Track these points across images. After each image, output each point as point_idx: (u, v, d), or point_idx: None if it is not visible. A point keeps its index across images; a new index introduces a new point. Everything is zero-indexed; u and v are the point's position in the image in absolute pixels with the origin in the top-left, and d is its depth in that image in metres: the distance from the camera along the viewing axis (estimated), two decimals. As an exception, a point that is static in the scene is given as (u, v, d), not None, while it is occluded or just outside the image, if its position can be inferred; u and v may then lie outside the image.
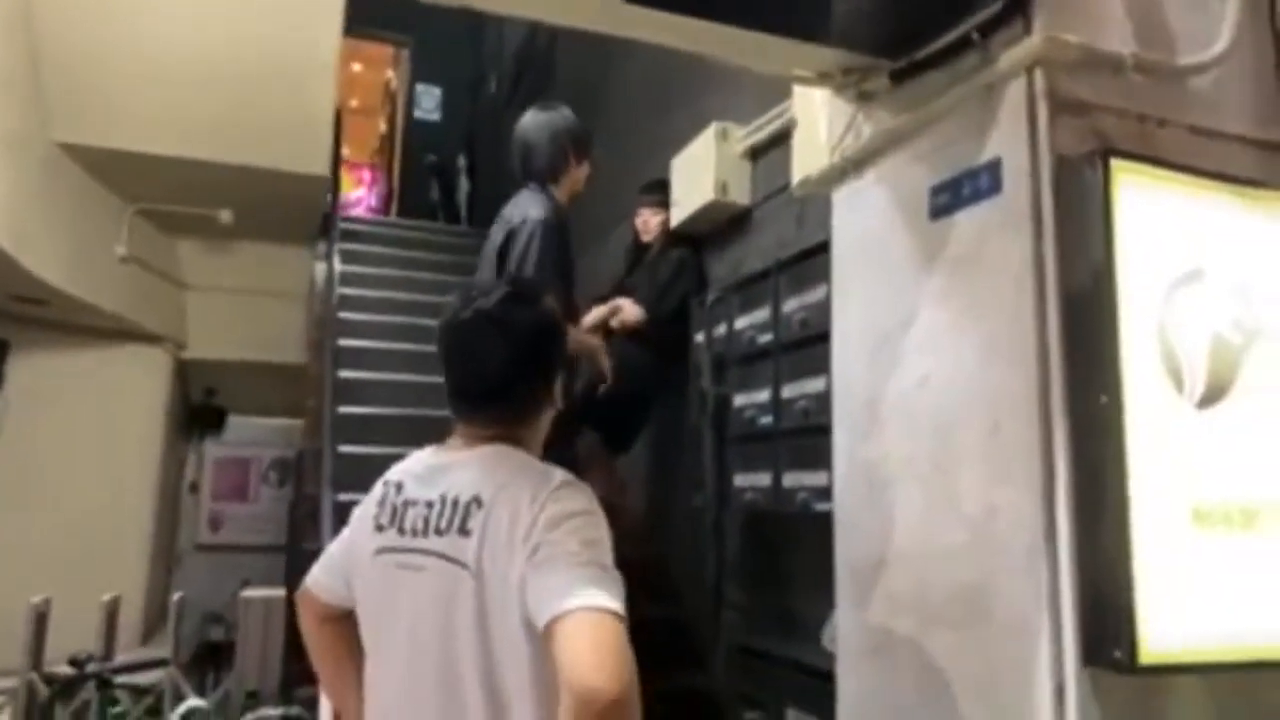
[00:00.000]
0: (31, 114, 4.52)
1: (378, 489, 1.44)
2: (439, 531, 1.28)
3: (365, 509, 1.44)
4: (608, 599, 1.11)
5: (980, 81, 1.69)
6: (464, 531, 1.25)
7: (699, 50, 2.04)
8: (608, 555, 1.20)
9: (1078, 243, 1.48)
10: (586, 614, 1.09)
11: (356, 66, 10.59)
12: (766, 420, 2.63)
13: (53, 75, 4.60)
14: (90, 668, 3.17)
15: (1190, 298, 1.48)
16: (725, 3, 1.77)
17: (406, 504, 1.35)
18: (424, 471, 1.38)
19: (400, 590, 1.31)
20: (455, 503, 1.28)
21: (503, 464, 1.31)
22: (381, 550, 1.36)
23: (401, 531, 1.33)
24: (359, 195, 11.21)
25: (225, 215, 5.81)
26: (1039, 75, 1.58)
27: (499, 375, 1.35)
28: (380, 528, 1.37)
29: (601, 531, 1.22)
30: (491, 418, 1.37)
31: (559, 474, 1.28)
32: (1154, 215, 1.50)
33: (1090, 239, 1.45)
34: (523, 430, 1.39)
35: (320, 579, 1.52)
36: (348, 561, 1.45)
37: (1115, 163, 1.47)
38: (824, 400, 2.25)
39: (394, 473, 1.43)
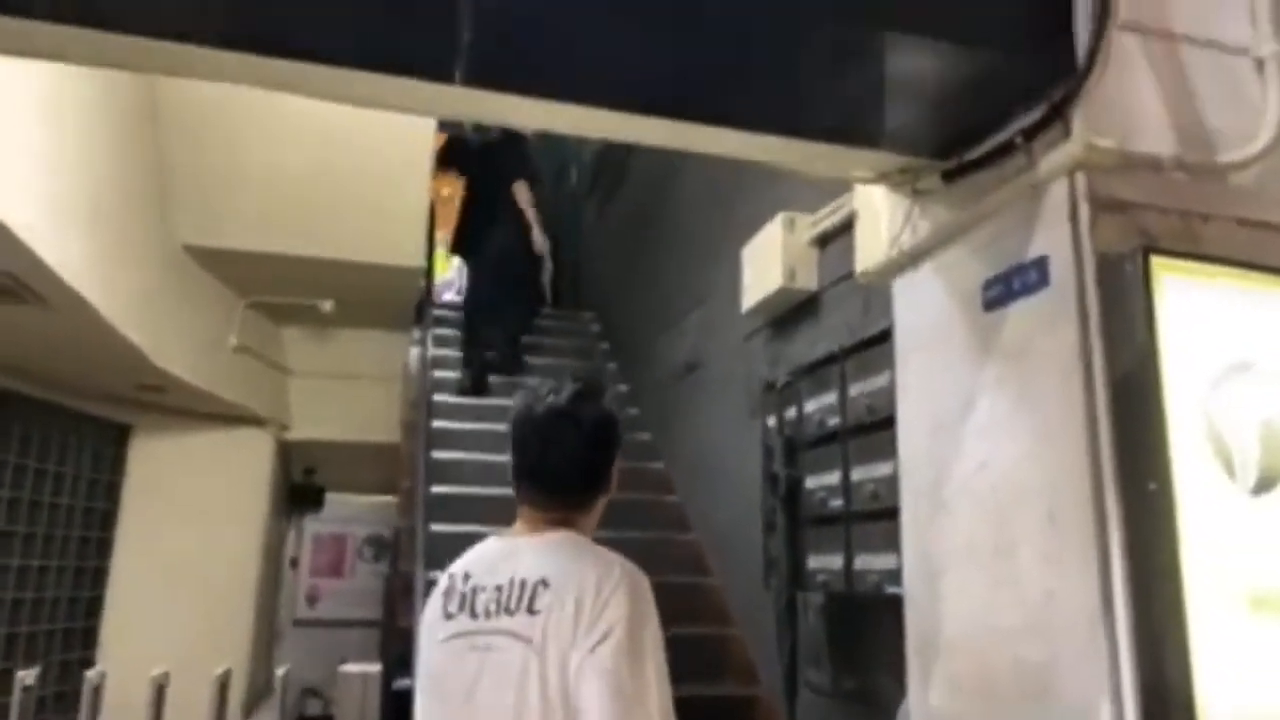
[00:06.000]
0: (159, 220, 4.98)
1: (443, 582, 1.56)
2: (509, 611, 1.40)
3: (432, 603, 1.56)
4: None
5: (1026, 182, 1.78)
6: (532, 610, 1.37)
7: (759, 159, 2.19)
8: (653, 659, 1.36)
9: (1122, 336, 1.54)
10: None
11: (445, 158, 11.18)
12: (837, 503, 2.69)
13: (178, 184, 5.08)
14: (204, 740, 3.38)
15: (1239, 387, 1.53)
16: (782, 116, 1.91)
17: (475, 590, 1.47)
18: (491, 559, 1.51)
19: (473, 670, 1.42)
20: (523, 584, 1.40)
21: (567, 549, 1.45)
22: (452, 636, 1.47)
23: (474, 615, 1.45)
24: (450, 277, 11.70)
25: (327, 305, 6.22)
26: (1080, 178, 1.66)
27: (571, 462, 1.51)
28: (449, 615, 1.49)
29: (652, 630, 1.37)
30: (558, 501, 1.52)
31: (620, 564, 1.42)
32: (1199, 308, 1.56)
33: (1134, 333, 1.52)
34: (582, 515, 1.54)
35: None
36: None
37: (1156, 259, 1.55)
38: (892, 484, 2.31)
39: (459, 565, 1.56)
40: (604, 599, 1.34)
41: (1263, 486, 1.49)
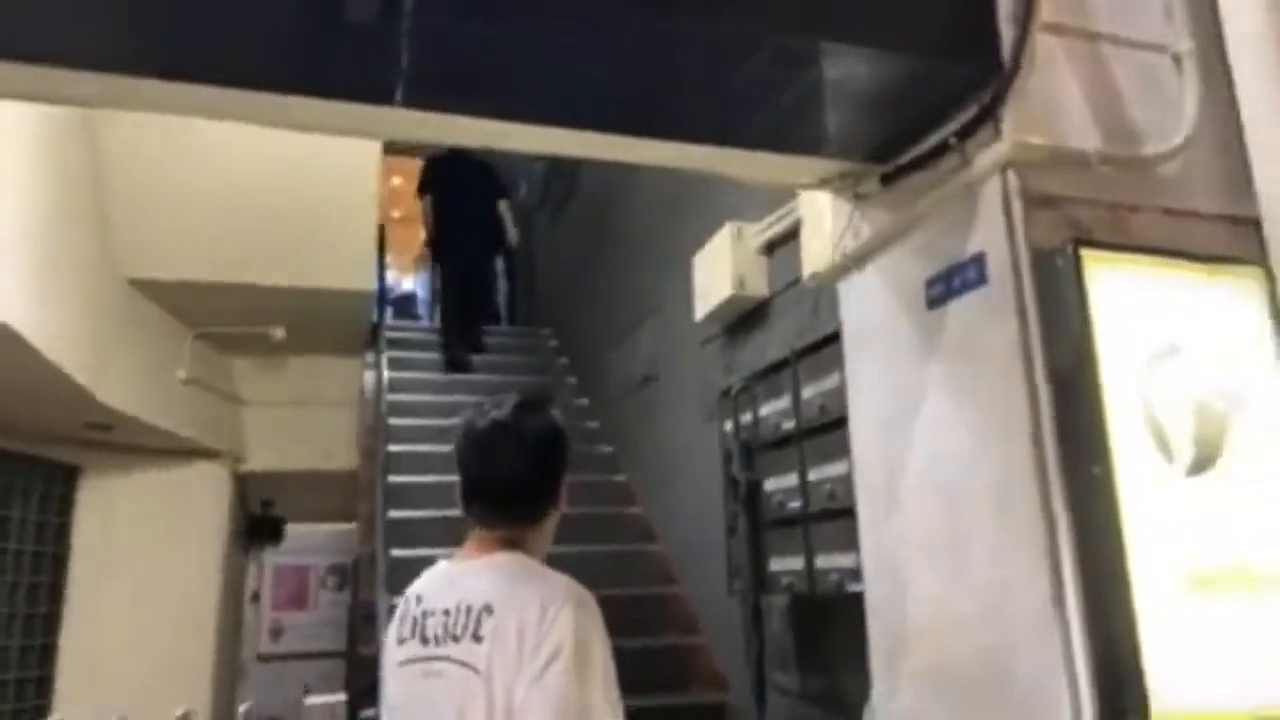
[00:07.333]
0: (103, 256, 4.88)
1: (399, 606, 1.55)
2: (455, 638, 1.38)
3: (390, 628, 1.55)
4: None
5: (960, 181, 1.83)
6: (477, 638, 1.36)
7: (705, 169, 2.23)
8: (601, 679, 1.33)
9: (1059, 328, 1.59)
10: None
11: (396, 180, 11.10)
12: (796, 504, 2.72)
13: (121, 218, 4.98)
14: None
15: (1170, 371, 1.58)
16: (719, 126, 1.95)
17: (426, 614, 1.46)
18: (440, 582, 1.50)
19: (425, 697, 1.41)
20: (469, 610, 1.38)
21: (512, 572, 1.43)
22: (406, 661, 1.46)
23: (424, 641, 1.44)
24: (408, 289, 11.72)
25: (278, 333, 6.11)
26: (1011, 175, 1.71)
27: (516, 476, 1.49)
28: (402, 640, 1.48)
29: (600, 649, 1.35)
30: (505, 519, 1.49)
31: (564, 585, 1.39)
32: (1128, 296, 1.61)
33: (1069, 324, 1.57)
34: (531, 532, 1.51)
35: None
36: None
37: (1085, 252, 1.59)
38: (848, 483, 2.33)
39: (412, 589, 1.55)
40: (549, 621, 1.32)
41: (1198, 468, 1.54)
